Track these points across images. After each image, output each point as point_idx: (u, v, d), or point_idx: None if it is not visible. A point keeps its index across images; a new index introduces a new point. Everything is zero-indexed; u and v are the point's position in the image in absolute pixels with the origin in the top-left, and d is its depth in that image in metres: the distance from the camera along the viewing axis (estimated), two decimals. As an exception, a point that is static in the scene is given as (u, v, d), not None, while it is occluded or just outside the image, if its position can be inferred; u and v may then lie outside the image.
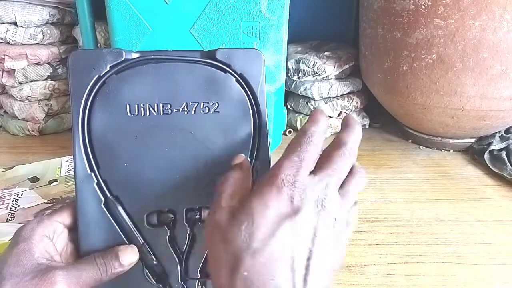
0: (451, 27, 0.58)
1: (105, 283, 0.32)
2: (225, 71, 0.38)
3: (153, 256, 0.35)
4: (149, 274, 0.35)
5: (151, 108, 0.36)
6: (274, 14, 0.57)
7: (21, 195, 0.53)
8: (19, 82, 0.72)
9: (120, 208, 0.34)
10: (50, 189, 0.54)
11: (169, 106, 0.37)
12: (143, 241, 0.35)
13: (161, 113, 0.36)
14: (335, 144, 0.28)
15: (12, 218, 0.48)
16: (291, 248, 0.24)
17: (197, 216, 0.36)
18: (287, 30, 0.60)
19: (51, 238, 0.32)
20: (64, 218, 0.34)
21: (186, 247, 0.36)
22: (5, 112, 0.79)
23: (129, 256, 0.33)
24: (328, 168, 0.27)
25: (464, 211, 0.55)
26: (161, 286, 0.35)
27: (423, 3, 0.59)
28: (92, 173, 0.34)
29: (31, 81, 0.73)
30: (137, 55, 0.37)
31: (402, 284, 0.42)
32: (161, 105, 0.37)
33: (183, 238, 0.36)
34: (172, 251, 0.35)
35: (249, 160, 0.37)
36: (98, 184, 0.34)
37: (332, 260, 0.26)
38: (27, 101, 0.74)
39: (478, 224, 0.52)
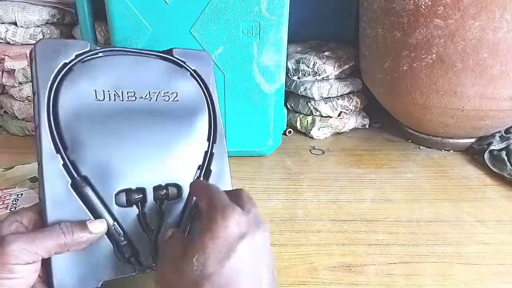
0: (451, 27, 0.58)
1: (74, 259, 0.32)
2: (180, 66, 0.43)
3: (122, 236, 0.35)
4: (118, 255, 0.35)
5: (116, 94, 0.38)
6: (274, 14, 0.57)
7: (21, 195, 0.53)
8: (19, 82, 0.72)
9: (88, 188, 0.34)
10: (50, 189, 0.54)
11: (133, 93, 0.39)
12: (113, 221, 0.35)
13: (126, 99, 0.39)
14: (233, 192, 0.34)
15: (12, 218, 0.48)
16: (247, 267, 0.28)
17: (165, 194, 0.38)
18: (287, 30, 0.60)
19: (26, 226, 0.32)
20: (39, 207, 0.34)
21: (156, 225, 0.37)
22: (5, 112, 0.79)
23: (97, 225, 0.33)
24: (247, 203, 0.32)
25: (464, 211, 0.55)
26: (130, 264, 0.35)
27: (423, 3, 0.59)
28: (59, 154, 0.34)
29: (31, 81, 0.73)
30: (101, 48, 0.40)
31: (402, 284, 0.42)
32: (125, 92, 0.39)
33: (152, 216, 0.37)
34: (142, 229, 0.36)
35: (208, 142, 0.42)
36: (65, 165, 0.34)
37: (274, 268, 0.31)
38: (27, 101, 0.74)
39: (478, 224, 0.52)
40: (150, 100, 0.40)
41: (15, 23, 0.69)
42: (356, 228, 0.51)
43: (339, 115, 0.80)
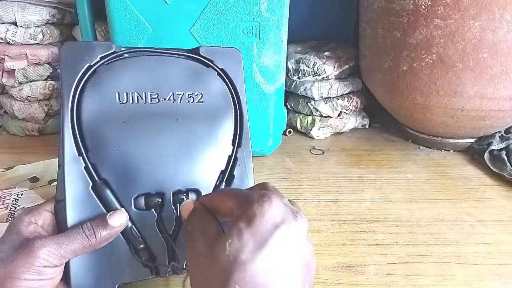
0: (451, 27, 0.58)
1: (92, 262, 0.33)
2: (207, 65, 0.41)
3: (140, 239, 0.35)
4: (137, 257, 0.35)
5: (139, 97, 0.38)
6: (274, 14, 0.57)
7: (21, 195, 0.53)
8: (19, 82, 0.72)
9: (108, 191, 0.34)
10: (50, 189, 0.54)
11: (156, 96, 0.38)
12: (131, 224, 0.35)
13: (149, 101, 0.38)
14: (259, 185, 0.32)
15: (12, 218, 0.48)
16: (282, 257, 0.25)
17: (184, 199, 0.37)
18: (287, 30, 0.60)
19: (42, 226, 0.33)
20: (52, 207, 0.34)
21: (173, 230, 0.36)
22: (5, 112, 0.79)
23: (117, 217, 0.33)
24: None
25: (464, 211, 0.55)
26: (148, 268, 0.35)
27: (423, 3, 0.59)
28: (80, 157, 0.34)
29: (31, 81, 0.73)
30: (125, 49, 0.39)
31: (402, 284, 0.42)
32: (149, 94, 0.38)
33: (170, 220, 0.36)
34: (159, 233, 0.36)
35: (232, 146, 0.40)
36: (86, 167, 0.34)
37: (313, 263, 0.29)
38: (27, 101, 0.74)
39: (478, 224, 0.52)
40: (173, 102, 0.39)
41: (15, 23, 0.69)
42: (356, 228, 0.51)
43: (339, 115, 0.80)
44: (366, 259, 0.45)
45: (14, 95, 0.73)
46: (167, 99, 0.39)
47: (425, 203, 0.57)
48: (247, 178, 0.40)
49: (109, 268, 0.34)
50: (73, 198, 0.33)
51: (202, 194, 0.38)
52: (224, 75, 0.42)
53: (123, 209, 0.34)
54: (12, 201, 0.51)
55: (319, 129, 0.78)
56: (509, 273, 0.43)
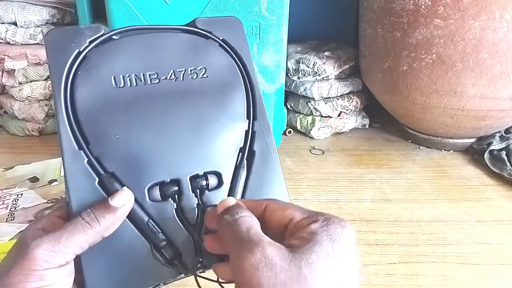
0: (451, 27, 0.58)
1: (109, 266, 0.30)
2: (206, 37, 0.39)
3: (161, 234, 0.32)
4: (158, 256, 0.31)
5: (137, 79, 0.35)
6: (274, 14, 0.57)
7: (21, 195, 0.53)
8: (19, 82, 0.72)
9: (117, 185, 0.31)
10: (50, 189, 0.54)
11: (156, 75, 0.36)
12: (147, 218, 0.32)
13: (149, 82, 0.35)
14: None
15: (12, 218, 0.48)
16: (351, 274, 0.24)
17: (204, 183, 0.34)
18: (287, 30, 0.60)
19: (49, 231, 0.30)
20: (63, 213, 0.31)
21: (196, 219, 0.33)
22: (5, 112, 0.79)
23: (120, 197, 0.30)
24: None
25: (464, 211, 0.55)
26: (174, 266, 0.32)
27: (423, 3, 0.59)
28: (81, 151, 0.31)
29: (31, 81, 0.73)
30: (116, 30, 0.36)
31: (402, 284, 0.42)
32: (147, 74, 0.35)
33: (191, 209, 0.33)
34: (181, 225, 0.32)
35: (247, 120, 0.37)
36: (89, 161, 0.31)
37: None
38: (27, 101, 0.74)
39: (478, 224, 0.52)
40: (176, 80, 0.36)
41: (15, 23, 0.69)
42: (356, 228, 0.51)
43: (339, 115, 0.80)
44: (366, 259, 0.45)
45: (14, 95, 0.73)
46: (168, 77, 0.36)
47: (425, 203, 0.57)
48: (269, 153, 0.36)
49: (130, 272, 0.30)
50: (78, 197, 0.30)
51: (223, 176, 0.34)
52: (226, 46, 0.39)
53: (125, 187, 0.31)
54: (12, 201, 0.51)
55: (319, 129, 0.78)
56: (509, 273, 0.43)
